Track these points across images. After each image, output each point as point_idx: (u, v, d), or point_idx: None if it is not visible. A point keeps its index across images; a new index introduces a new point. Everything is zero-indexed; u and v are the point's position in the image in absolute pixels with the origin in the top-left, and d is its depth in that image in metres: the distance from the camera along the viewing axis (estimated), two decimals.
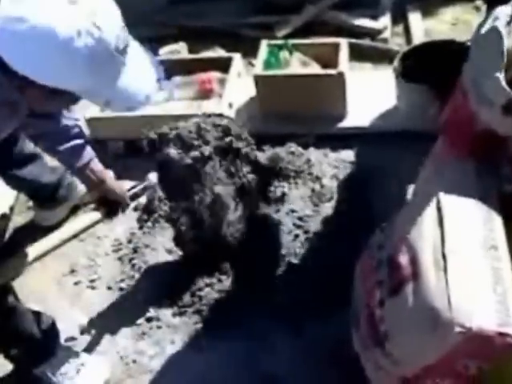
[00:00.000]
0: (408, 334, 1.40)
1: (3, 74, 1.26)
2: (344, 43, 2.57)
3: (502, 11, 1.57)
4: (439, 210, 1.46)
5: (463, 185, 1.52)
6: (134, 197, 2.10)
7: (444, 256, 1.36)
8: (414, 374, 1.43)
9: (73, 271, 2.34)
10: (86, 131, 2.67)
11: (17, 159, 1.81)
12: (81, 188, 2.44)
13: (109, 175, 1.94)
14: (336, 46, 2.56)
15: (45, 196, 2.40)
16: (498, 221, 1.45)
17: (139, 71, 1.37)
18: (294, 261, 2.17)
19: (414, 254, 1.43)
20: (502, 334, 1.23)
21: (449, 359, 1.32)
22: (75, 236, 1.94)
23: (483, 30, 1.54)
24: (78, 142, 1.83)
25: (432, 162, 1.73)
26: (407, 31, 3.07)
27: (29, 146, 2.05)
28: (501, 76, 1.43)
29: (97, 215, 1.92)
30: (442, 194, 1.49)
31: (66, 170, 2.31)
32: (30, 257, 1.87)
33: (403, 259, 1.46)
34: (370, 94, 2.63)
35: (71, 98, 1.35)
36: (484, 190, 1.52)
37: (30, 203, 2.56)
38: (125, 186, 2.03)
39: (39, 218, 2.49)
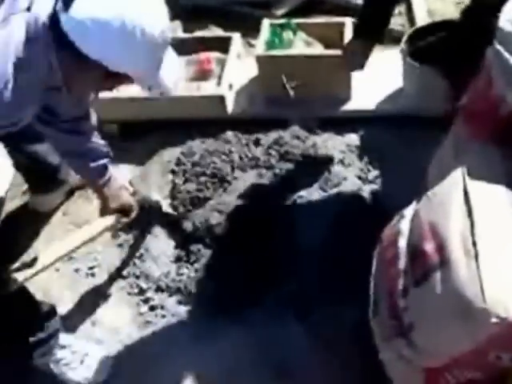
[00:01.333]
0: (436, 324, 1.36)
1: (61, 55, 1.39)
2: (349, 23, 2.49)
3: None
4: (466, 196, 1.41)
5: (489, 170, 1.48)
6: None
7: (474, 243, 1.32)
8: (442, 365, 1.39)
9: (71, 258, 2.25)
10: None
11: (30, 133, 1.81)
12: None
13: (122, 191, 2.06)
14: (340, 26, 2.49)
15: (47, 177, 2.32)
16: None
17: (170, 63, 1.55)
18: (303, 247, 2.11)
19: (441, 242, 1.38)
20: None
21: (481, 350, 1.28)
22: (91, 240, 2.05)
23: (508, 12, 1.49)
24: (105, 162, 1.93)
25: (451, 146, 1.68)
26: (410, 11, 3.00)
27: None
28: None
29: (111, 220, 2.05)
30: (468, 180, 1.45)
31: None
32: (43, 263, 1.90)
33: (429, 247, 1.41)
34: (374, 76, 2.56)
35: (122, 82, 1.53)
36: (510, 174, 1.47)
37: (24, 187, 2.48)
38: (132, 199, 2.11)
39: (35, 203, 2.40)
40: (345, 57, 2.27)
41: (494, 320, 1.22)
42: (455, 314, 1.29)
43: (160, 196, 2.31)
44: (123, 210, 2.05)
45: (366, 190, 2.29)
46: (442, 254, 1.37)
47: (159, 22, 1.43)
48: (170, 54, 1.57)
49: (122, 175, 2.29)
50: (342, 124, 2.51)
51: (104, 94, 2.54)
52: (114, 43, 1.37)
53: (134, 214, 2.09)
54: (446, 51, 2.28)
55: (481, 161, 1.52)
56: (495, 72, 1.49)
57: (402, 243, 1.54)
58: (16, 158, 2.30)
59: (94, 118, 1.93)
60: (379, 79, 2.56)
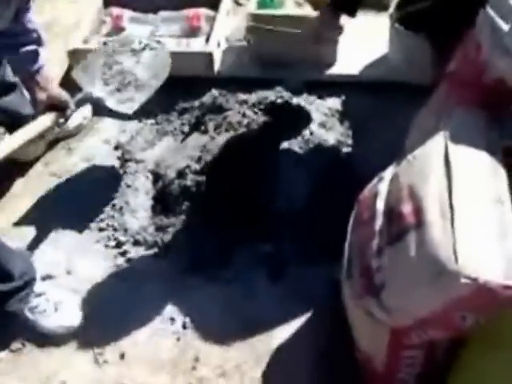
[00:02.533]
0: (407, 284, 1.38)
1: None
2: None
3: None
4: (447, 160, 1.43)
5: (472, 136, 1.49)
6: (80, 104, 2.03)
7: (451, 206, 1.33)
8: (409, 324, 1.42)
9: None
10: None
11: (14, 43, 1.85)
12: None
13: (54, 82, 1.99)
14: None
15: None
16: (503, 175, 1.43)
17: None
18: (280, 207, 2.13)
19: (418, 204, 1.40)
20: (506, 287, 1.23)
21: (449, 310, 1.31)
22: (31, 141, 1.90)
23: None
24: (35, 48, 1.87)
25: (434, 111, 1.69)
26: None
27: (10, 75, 1.99)
28: None
29: (48, 119, 1.89)
30: (450, 144, 1.46)
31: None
32: None
33: (406, 208, 1.43)
34: (361, 42, 2.57)
35: None
36: (492, 142, 1.49)
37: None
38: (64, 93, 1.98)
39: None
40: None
41: (464, 281, 1.24)
42: (427, 275, 1.31)
43: (104, 92, 2.08)
44: (57, 106, 1.89)
45: (345, 154, 2.30)
46: (418, 216, 1.39)
47: None
48: None
49: None
50: (327, 87, 2.51)
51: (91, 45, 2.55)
52: None
53: (68, 111, 1.91)
54: (433, 18, 2.28)
55: (464, 126, 1.53)
56: (484, 37, 1.49)
57: (380, 205, 1.56)
58: None
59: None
60: (366, 45, 2.56)
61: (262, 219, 2.10)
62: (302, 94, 2.49)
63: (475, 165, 1.42)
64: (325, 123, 2.40)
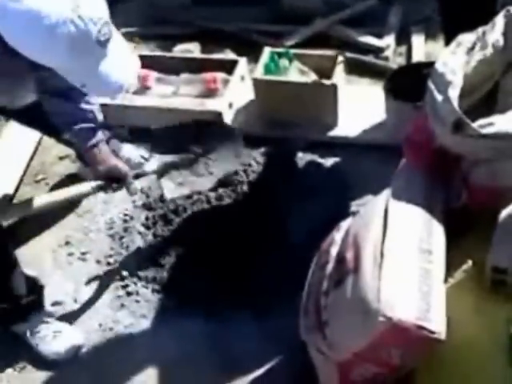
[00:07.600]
0: (343, 322, 1.56)
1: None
2: (341, 56, 2.71)
3: (465, 38, 1.73)
4: (386, 213, 1.62)
5: (412, 194, 1.68)
6: (139, 176, 2.24)
7: (382, 254, 1.52)
8: (347, 360, 1.59)
9: (67, 243, 2.54)
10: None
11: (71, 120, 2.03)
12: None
13: (113, 157, 2.13)
14: (334, 59, 2.71)
15: None
16: (438, 229, 1.60)
17: (117, 63, 1.59)
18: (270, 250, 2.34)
19: (357, 251, 1.59)
20: (419, 327, 1.40)
21: (374, 347, 1.48)
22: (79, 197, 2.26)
23: (444, 56, 1.69)
24: (90, 126, 2.04)
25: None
26: (409, 52, 3.20)
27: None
28: (452, 95, 1.58)
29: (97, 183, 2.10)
30: (391, 199, 1.65)
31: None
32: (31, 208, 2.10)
33: (349, 254, 1.62)
34: (363, 108, 2.78)
35: (52, 73, 1.56)
36: (430, 201, 1.67)
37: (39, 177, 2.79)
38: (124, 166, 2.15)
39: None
40: None
41: (381, 319, 1.41)
42: (357, 313, 1.49)
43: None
44: (113, 176, 2.07)
45: (335, 207, 2.47)
46: (356, 261, 1.58)
47: (72, 13, 1.44)
48: (121, 51, 1.59)
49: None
50: (326, 148, 2.72)
51: (117, 101, 2.86)
52: (24, 31, 1.44)
53: (127, 181, 2.08)
54: (422, 89, 2.47)
55: (408, 186, 1.72)
56: (428, 107, 1.69)
57: (334, 251, 1.75)
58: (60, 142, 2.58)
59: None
60: (366, 111, 2.77)
61: (253, 260, 2.31)
62: (303, 152, 2.73)
63: (409, 219, 1.61)
64: (319, 181, 2.61)
